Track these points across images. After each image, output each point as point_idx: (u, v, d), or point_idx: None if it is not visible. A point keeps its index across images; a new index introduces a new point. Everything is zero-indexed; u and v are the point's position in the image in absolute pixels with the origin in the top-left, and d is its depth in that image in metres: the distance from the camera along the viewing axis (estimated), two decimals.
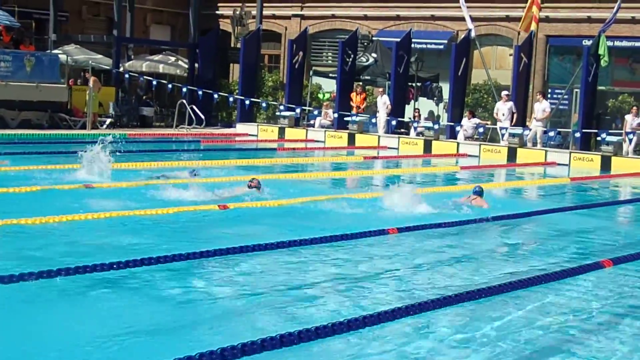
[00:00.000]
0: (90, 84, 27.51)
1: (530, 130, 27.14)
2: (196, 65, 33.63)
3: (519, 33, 33.12)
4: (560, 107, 32.27)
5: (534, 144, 26.82)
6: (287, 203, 13.63)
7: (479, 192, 14.47)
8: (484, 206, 14.07)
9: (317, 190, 15.07)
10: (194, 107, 29.56)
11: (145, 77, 31.74)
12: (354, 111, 29.44)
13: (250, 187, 13.99)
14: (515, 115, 27.32)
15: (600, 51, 26.50)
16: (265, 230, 11.37)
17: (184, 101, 29.57)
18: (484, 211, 13.63)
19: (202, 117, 29.56)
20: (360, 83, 31.86)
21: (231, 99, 31.17)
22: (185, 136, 27.47)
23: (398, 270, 9.59)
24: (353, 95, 30.17)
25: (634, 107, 27.09)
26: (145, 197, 13.19)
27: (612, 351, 6.94)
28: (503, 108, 27.37)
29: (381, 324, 6.99)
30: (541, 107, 27.06)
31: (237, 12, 35.60)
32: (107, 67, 31.66)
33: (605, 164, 24.34)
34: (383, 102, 29.25)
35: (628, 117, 26.61)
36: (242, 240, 10.09)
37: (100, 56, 32.51)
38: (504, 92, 28.19)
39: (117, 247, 9.72)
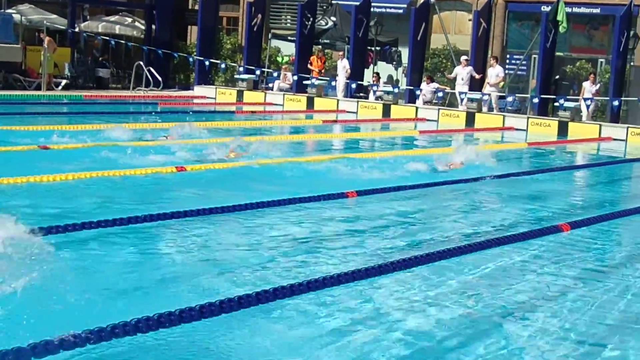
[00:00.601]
0: (45, 44, 27.06)
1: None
2: (153, 26, 33.19)
3: None
4: (519, 72, 32.45)
5: (490, 109, 26.91)
6: (246, 164, 13.55)
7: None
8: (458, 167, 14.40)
9: (275, 153, 14.97)
10: (151, 69, 29.20)
11: (101, 37, 31.29)
12: (314, 75, 29.31)
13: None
14: (477, 77, 27.39)
15: (559, 17, 26.59)
16: (225, 192, 11.27)
17: (141, 63, 29.21)
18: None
19: (160, 79, 29.23)
20: (320, 47, 31.72)
21: (190, 60, 30.84)
22: (143, 98, 27.17)
23: (354, 234, 9.55)
24: (313, 59, 30.04)
25: (592, 75, 27.29)
26: (102, 159, 13.05)
27: (563, 317, 6.91)
28: (462, 72, 27.42)
29: (333, 286, 6.96)
30: (494, 72, 27.14)
31: None
32: (62, 28, 31.15)
33: (563, 130, 24.51)
34: (343, 66, 29.17)
35: (586, 84, 26.78)
36: (200, 202, 10.00)
37: (55, 16, 31.97)
38: (463, 57, 28.23)
39: (72, 210, 9.58)
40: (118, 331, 5.43)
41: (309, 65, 29.68)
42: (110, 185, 11.29)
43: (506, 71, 32.71)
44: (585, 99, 25.95)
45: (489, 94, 26.91)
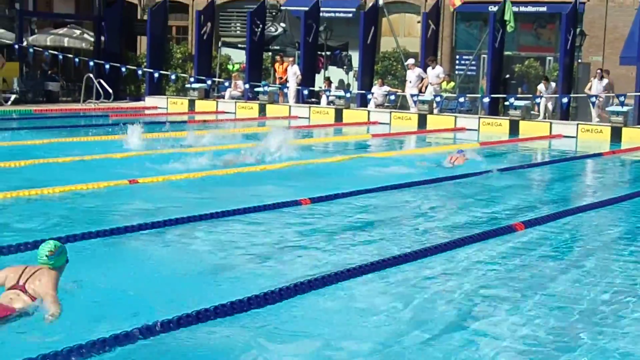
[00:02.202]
0: None
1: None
2: (102, 38, 32.91)
3: (426, 0, 33.34)
4: (469, 73, 32.69)
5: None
6: (200, 175, 13.49)
7: (461, 151, 16.59)
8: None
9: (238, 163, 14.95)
10: (101, 80, 28.94)
11: (50, 51, 30.97)
12: (277, 82, 29.37)
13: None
14: (425, 80, 27.52)
15: (506, 17, 26.85)
16: (176, 204, 11.19)
17: (91, 75, 28.94)
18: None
19: (110, 90, 28.99)
20: (281, 53, 31.78)
21: (140, 72, 30.65)
22: (94, 110, 26.92)
23: (308, 241, 9.52)
24: (276, 65, 30.13)
25: (545, 80, 27.53)
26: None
27: (515, 322, 6.94)
28: (411, 75, 27.55)
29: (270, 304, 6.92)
30: (434, 73, 27.36)
31: None
32: (10, 42, 30.76)
33: (514, 128, 24.73)
34: (293, 72, 29.21)
35: (541, 87, 27.07)
36: (151, 215, 9.95)
37: (2, 30, 31.56)
38: (409, 61, 28.38)
39: (22, 228, 9.45)
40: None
41: (275, 73, 29.84)
42: (48, 202, 11.12)
43: (456, 72, 33.03)
44: (536, 97, 26.27)
45: (440, 95, 27.07)
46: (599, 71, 26.64)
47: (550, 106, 26.53)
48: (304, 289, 7.18)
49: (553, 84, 27.11)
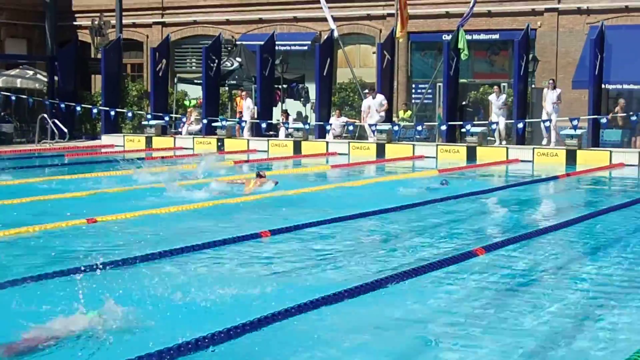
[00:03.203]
0: None
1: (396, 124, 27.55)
2: (56, 78, 32.68)
3: (380, 31, 33.59)
4: (425, 101, 32.88)
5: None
6: (157, 212, 13.34)
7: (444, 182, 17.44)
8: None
9: (185, 199, 14.79)
10: (56, 120, 28.71)
11: (2, 93, 30.68)
12: (237, 116, 29.38)
13: (259, 176, 16.49)
14: (385, 108, 27.74)
15: (460, 45, 27.09)
16: (133, 242, 11.05)
17: (45, 115, 28.70)
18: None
19: (65, 130, 28.75)
20: (242, 87, 31.79)
21: (95, 111, 30.44)
22: (49, 151, 26.65)
23: (266, 274, 9.42)
24: (238, 99, 30.15)
25: (496, 87, 27.75)
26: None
27: (477, 346, 6.93)
28: (374, 103, 27.70)
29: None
30: (377, 102, 27.72)
31: (96, 22, 34.86)
32: None
33: (471, 155, 24.89)
34: (247, 106, 29.27)
35: (492, 98, 27.26)
36: (111, 254, 9.80)
37: None
38: (365, 92, 28.66)
39: None
40: None
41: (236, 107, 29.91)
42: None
43: (413, 100, 33.23)
44: (491, 123, 26.46)
45: (397, 124, 27.21)
46: (551, 81, 26.99)
47: (502, 126, 26.56)
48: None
49: (503, 96, 27.25)
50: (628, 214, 14.31)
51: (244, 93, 30.33)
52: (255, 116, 29.18)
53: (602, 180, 21.24)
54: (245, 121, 29.09)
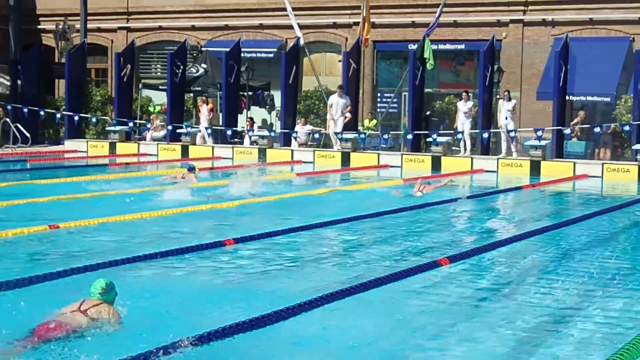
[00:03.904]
0: None
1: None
2: (19, 82, 32.32)
3: (346, 39, 33.62)
4: (390, 110, 32.94)
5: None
6: (122, 219, 13.20)
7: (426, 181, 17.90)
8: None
9: (150, 205, 14.68)
10: (19, 125, 28.39)
11: None
12: (202, 123, 29.20)
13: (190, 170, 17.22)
14: (349, 108, 27.75)
15: (426, 55, 27.16)
16: (97, 247, 10.93)
17: (8, 120, 28.38)
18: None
19: (28, 135, 28.45)
20: (207, 94, 31.63)
21: (58, 116, 30.16)
22: (11, 156, 26.34)
23: (228, 282, 9.35)
24: (201, 106, 30.02)
25: (465, 92, 27.78)
26: None
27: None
28: (340, 102, 27.65)
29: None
30: (344, 102, 27.77)
31: (60, 27, 34.53)
32: None
33: (436, 164, 24.96)
34: (204, 113, 29.26)
35: (460, 104, 27.27)
36: (76, 261, 9.68)
37: None
38: (339, 85, 28.65)
39: None
40: None
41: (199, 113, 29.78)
42: None
43: (378, 109, 33.28)
44: (457, 132, 26.51)
45: (362, 133, 27.23)
46: (506, 93, 27.13)
47: (467, 132, 26.60)
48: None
49: (471, 102, 27.26)
50: (591, 224, 14.41)
51: (200, 99, 30.25)
52: (212, 123, 29.12)
53: (565, 191, 21.40)
54: (201, 127, 28.96)
